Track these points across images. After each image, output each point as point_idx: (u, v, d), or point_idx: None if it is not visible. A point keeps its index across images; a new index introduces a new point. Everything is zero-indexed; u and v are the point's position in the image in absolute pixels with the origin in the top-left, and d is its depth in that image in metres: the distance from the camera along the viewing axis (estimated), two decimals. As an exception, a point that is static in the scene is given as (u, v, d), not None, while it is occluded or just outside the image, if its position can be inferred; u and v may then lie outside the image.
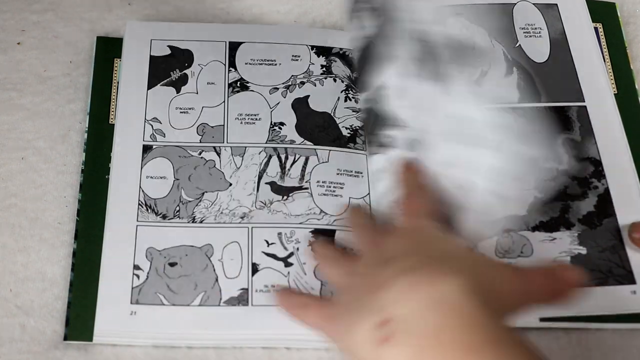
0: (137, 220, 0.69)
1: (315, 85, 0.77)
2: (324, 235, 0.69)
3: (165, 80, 0.76)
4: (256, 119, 0.75)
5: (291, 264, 0.68)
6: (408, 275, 0.55)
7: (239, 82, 0.77)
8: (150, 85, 0.76)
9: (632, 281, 0.67)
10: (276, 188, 0.72)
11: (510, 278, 0.57)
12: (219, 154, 0.73)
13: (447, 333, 0.51)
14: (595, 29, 0.79)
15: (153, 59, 0.77)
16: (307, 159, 0.73)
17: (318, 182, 0.72)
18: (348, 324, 0.56)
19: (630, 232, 0.68)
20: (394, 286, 0.55)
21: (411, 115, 0.68)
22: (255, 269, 0.68)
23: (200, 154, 0.73)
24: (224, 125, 0.74)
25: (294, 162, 0.73)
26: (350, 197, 0.71)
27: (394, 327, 0.52)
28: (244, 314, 0.66)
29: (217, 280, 0.67)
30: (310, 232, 0.69)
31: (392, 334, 0.52)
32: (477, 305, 0.52)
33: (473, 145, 0.65)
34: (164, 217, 0.70)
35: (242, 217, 0.70)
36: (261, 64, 0.78)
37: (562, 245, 0.68)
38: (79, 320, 0.66)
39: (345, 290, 0.61)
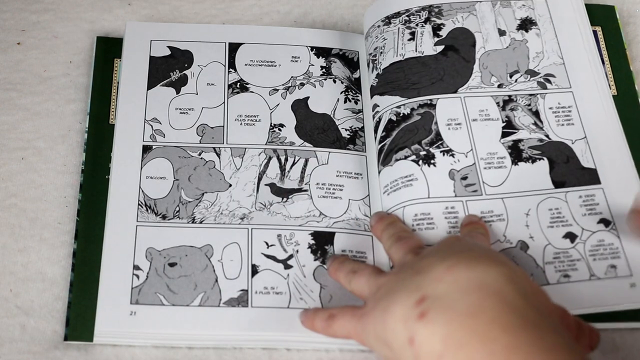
0: (137, 221, 0.69)
1: (314, 87, 0.77)
2: (322, 237, 0.70)
3: (165, 81, 0.76)
4: (256, 121, 0.75)
5: (291, 266, 0.68)
6: (448, 260, 0.55)
7: (238, 83, 0.77)
8: (150, 86, 0.76)
9: (628, 273, 0.67)
10: (276, 190, 0.72)
11: (548, 299, 0.57)
12: (218, 155, 0.73)
13: (485, 313, 0.51)
14: (595, 32, 0.80)
15: (153, 60, 0.77)
16: (306, 161, 0.73)
17: (317, 184, 0.72)
18: (383, 309, 0.56)
19: (630, 219, 0.68)
20: (432, 269, 0.55)
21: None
22: (255, 270, 0.68)
23: (200, 154, 0.73)
24: (223, 126, 0.75)
25: (293, 163, 0.73)
26: (350, 199, 0.71)
27: (430, 304, 0.53)
28: (244, 315, 0.66)
29: (216, 280, 0.67)
30: (310, 234, 0.70)
31: (427, 311, 0.53)
32: (516, 291, 0.53)
33: None
34: (164, 217, 0.70)
35: (241, 219, 0.70)
36: (261, 65, 0.78)
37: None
38: (79, 321, 0.66)
39: (374, 290, 0.61)
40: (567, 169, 0.72)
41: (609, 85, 0.77)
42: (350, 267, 0.65)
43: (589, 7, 0.80)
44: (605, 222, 0.69)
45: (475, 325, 0.51)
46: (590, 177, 0.71)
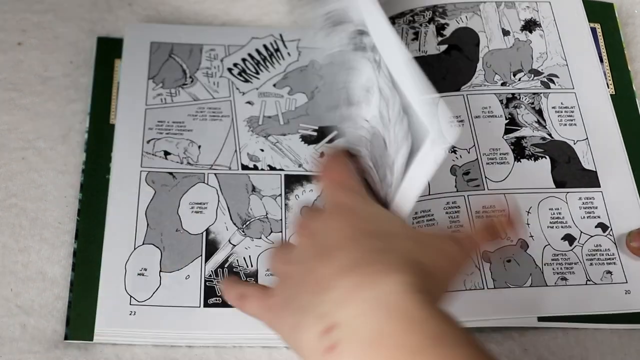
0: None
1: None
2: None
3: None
4: None
5: None
6: (351, 276, 0.52)
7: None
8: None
9: (623, 280, 0.68)
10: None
11: (450, 246, 0.56)
12: None
13: (391, 337, 0.50)
14: (594, 29, 0.80)
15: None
16: None
17: None
18: (292, 326, 0.54)
19: (628, 241, 0.68)
20: (336, 288, 0.52)
21: None
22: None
23: None
24: None
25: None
26: None
27: (339, 335, 0.50)
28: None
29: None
30: None
31: (337, 342, 0.50)
32: (420, 303, 0.50)
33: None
34: (164, 217, 0.70)
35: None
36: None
37: None
38: (80, 320, 0.66)
39: (282, 279, 0.58)
40: (568, 170, 0.72)
41: (607, 84, 0.77)
42: (238, 292, 0.61)
43: (588, 5, 0.80)
44: (602, 226, 0.69)
45: (383, 351, 0.49)
46: (590, 179, 0.71)
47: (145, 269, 0.67)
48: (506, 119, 0.74)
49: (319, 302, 0.52)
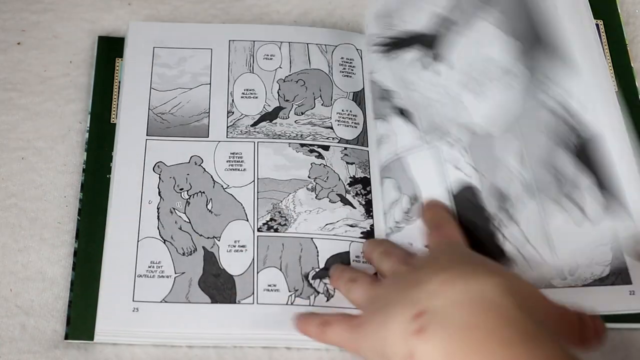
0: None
1: None
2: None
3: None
4: None
5: None
6: (445, 272, 0.55)
7: None
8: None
9: (628, 281, 0.68)
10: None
11: (546, 302, 0.57)
12: None
13: (482, 328, 0.51)
14: (596, 25, 0.79)
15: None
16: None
17: None
18: (381, 323, 0.56)
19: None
20: (429, 282, 0.55)
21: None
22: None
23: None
24: None
25: None
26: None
27: (428, 319, 0.52)
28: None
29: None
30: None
31: (426, 326, 0.52)
32: (513, 303, 0.52)
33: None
34: (164, 217, 0.70)
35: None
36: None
37: None
38: (80, 320, 0.66)
39: (370, 301, 0.61)
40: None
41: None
42: (350, 276, 0.65)
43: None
44: None
45: (472, 340, 0.51)
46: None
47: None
48: None
49: (412, 294, 0.55)
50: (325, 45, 0.79)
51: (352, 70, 0.77)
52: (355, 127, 0.75)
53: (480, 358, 0.50)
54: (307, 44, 0.79)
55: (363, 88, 0.77)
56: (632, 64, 0.78)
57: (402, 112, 0.71)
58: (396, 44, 0.73)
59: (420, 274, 0.57)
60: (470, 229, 0.66)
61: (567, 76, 0.63)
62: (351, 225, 0.70)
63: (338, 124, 0.75)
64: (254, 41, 0.78)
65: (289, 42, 0.79)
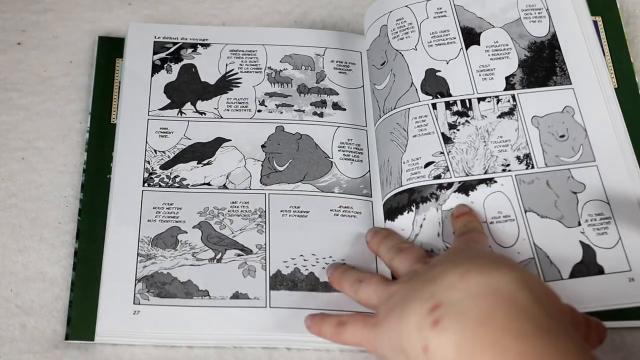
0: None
1: None
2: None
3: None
4: None
5: None
6: (461, 267, 0.55)
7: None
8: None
9: (627, 268, 0.67)
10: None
11: (559, 300, 0.57)
12: None
13: (498, 320, 0.52)
14: (595, 22, 0.79)
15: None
16: None
17: None
18: (398, 317, 0.56)
19: None
20: (445, 277, 0.55)
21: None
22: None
23: None
24: None
25: None
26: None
27: (444, 312, 0.53)
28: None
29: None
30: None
31: (441, 318, 0.53)
32: (529, 297, 0.53)
33: None
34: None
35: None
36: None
37: None
38: (80, 320, 0.66)
39: (386, 299, 0.60)
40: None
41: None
42: (356, 276, 0.65)
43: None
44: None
45: (487, 333, 0.51)
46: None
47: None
48: None
49: (428, 289, 0.56)
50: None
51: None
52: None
53: (495, 350, 0.51)
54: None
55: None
56: (632, 63, 0.78)
57: None
58: None
59: (436, 271, 0.57)
60: None
61: None
62: None
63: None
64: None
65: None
